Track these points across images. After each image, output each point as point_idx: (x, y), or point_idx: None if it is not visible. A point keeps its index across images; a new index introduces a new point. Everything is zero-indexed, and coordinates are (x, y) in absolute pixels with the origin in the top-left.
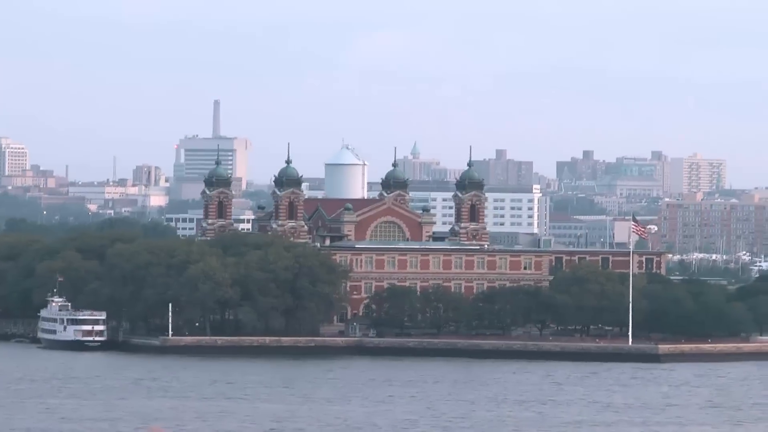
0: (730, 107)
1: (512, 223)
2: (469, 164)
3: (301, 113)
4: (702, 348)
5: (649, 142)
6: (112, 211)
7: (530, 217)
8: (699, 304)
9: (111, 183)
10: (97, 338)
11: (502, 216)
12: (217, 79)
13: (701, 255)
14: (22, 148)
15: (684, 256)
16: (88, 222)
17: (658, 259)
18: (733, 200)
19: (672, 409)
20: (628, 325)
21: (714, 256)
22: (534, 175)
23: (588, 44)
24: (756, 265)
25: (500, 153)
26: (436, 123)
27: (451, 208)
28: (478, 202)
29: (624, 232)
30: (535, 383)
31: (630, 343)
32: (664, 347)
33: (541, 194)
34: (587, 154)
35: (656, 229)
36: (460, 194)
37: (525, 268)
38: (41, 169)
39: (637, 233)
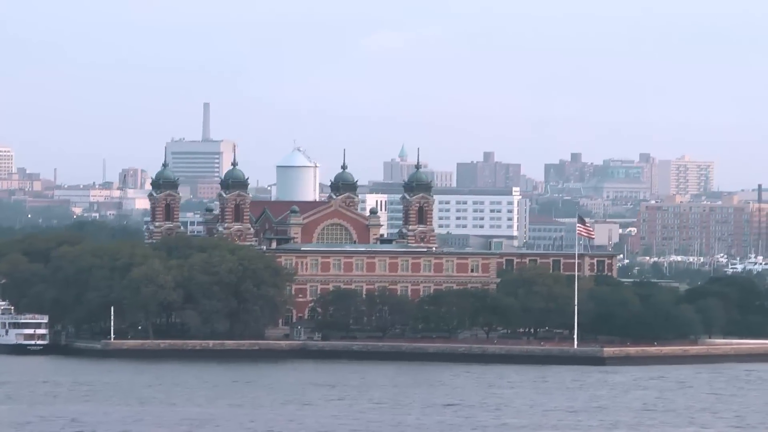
0: (721, 108)
1: (492, 226)
2: (417, 166)
3: (294, 115)
4: (648, 351)
5: (639, 144)
6: (97, 214)
7: (510, 219)
8: (647, 306)
9: (97, 186)
10: (39, 342)
11: (482, 219)
12: (207, 82)
13: (679, 257)
14: (8, 152)
15: (660, 258)
16: (70, 225)
17: (610, 261)
18: (719, 202)
19: (602, 412)
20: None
21: (691, 258)
22: (521, 178)
23: (581, 47)
24: (732, 267)
25: (488, 155)
26: (425, 126)
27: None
28: (426, 204)
29: (604, 235)
30: (470, 387)
31: (575, 345)
32: (609, 350)
33: (521, 197)
34: (575, 156)
35: (635, 231)
36: (407, 196)
37: (472, 271)
38: (27, 172)
39: (584, 235)
